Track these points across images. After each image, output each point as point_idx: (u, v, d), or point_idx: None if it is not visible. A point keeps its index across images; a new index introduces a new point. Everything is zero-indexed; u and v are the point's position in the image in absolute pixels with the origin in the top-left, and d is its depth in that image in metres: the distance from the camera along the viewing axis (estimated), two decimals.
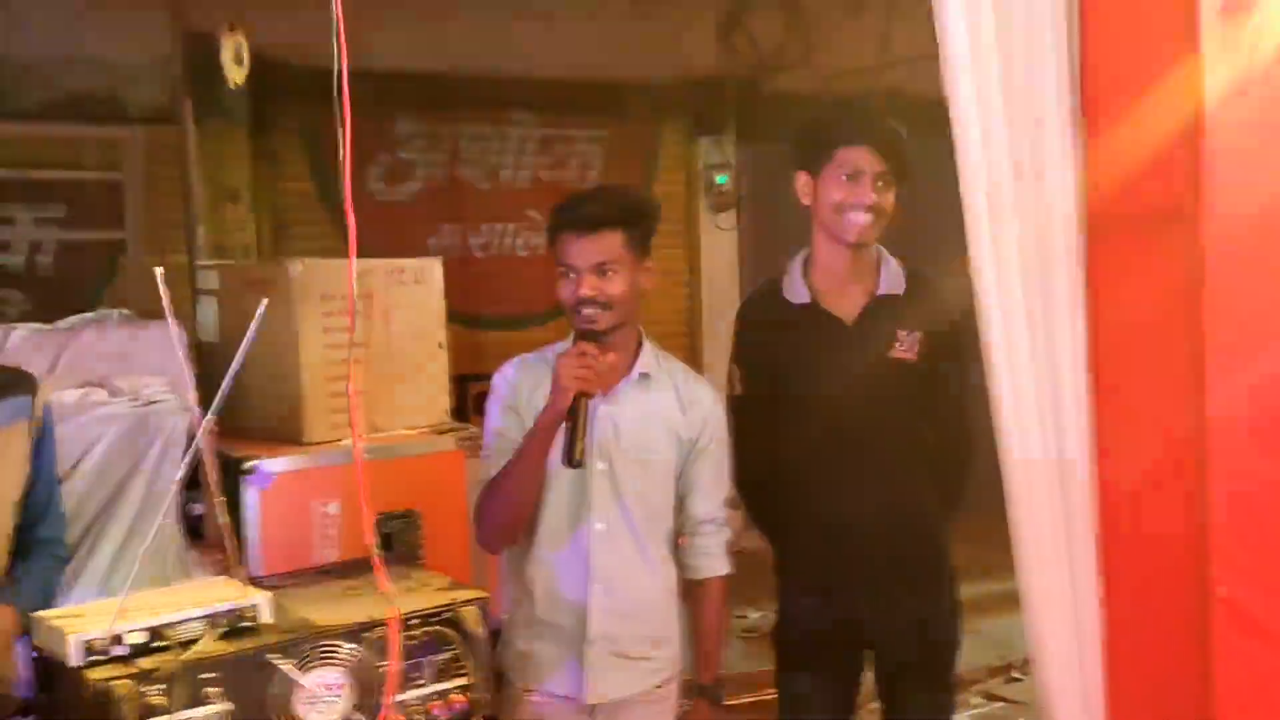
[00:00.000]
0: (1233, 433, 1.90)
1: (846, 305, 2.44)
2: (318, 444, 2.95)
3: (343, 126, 1.63)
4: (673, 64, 6.05)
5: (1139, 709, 2.00)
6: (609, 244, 2.11)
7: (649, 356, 2.26)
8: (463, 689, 1.70)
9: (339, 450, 2.91)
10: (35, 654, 1.58)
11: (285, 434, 2.96)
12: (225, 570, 2.40)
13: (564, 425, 2.06)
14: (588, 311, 2.10)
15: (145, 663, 1.48)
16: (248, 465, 2.75)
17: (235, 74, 3.52)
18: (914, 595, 2.47)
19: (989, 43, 2.03)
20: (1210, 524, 1.91)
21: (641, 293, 2.18)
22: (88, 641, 1.47)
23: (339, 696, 1.56)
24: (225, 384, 1.59)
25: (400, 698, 1.60)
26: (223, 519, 1.90)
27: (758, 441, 2.38)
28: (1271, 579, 1.92)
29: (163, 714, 1.44)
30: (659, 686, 2.26)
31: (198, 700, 1.47)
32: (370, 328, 3.03)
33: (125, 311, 3.26)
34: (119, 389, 2.62)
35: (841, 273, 2.44)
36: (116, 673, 1.44)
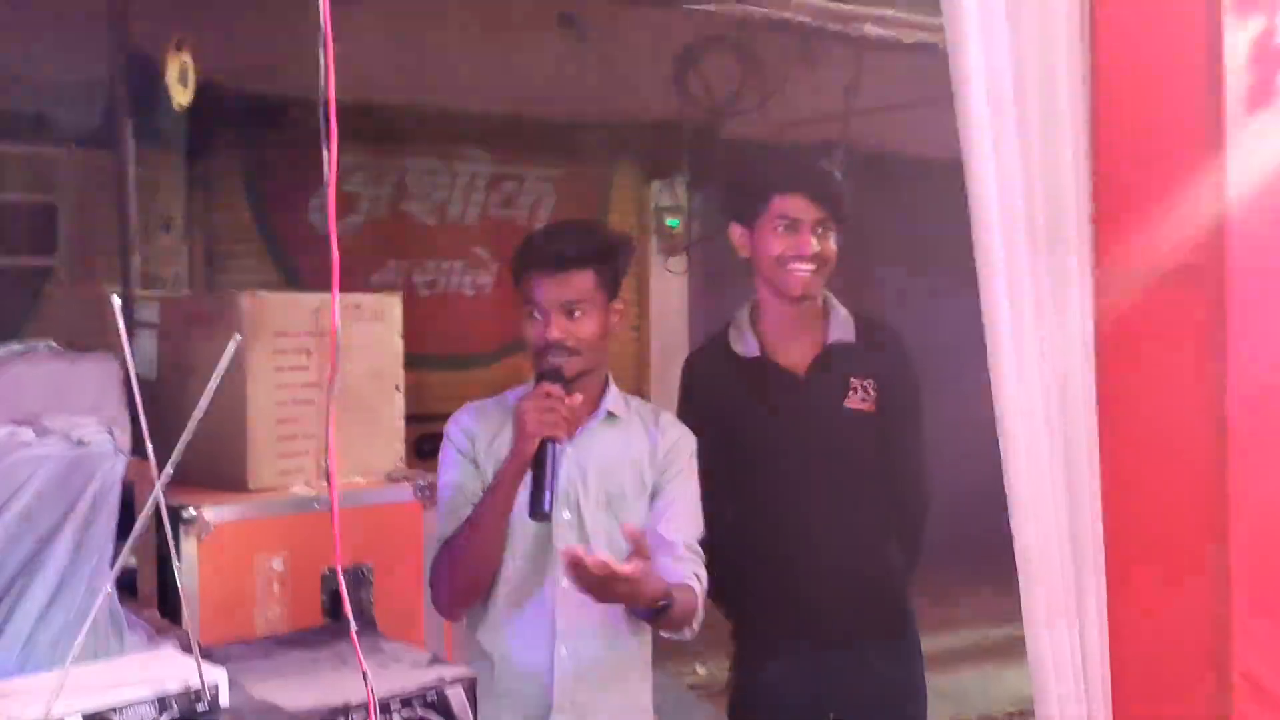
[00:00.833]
0: (1255, 515, 1.83)
1: (796, 356, 2.36)
2: (263, 491, 2.74)
3: (329, 154, 1.50)
4: (627, 105, 5.97)
5: None
6: (580, 284, 2.00)
7: (615, 396, 2.14)
8: None
9: (286, 499, 2.71)
10: None
11: (228, 480, 2.74)
12: (159, 633, 2.18)
13: (528, 475, 1.92)
14: (555, 356, 1.99)
15: None
16: (187, 514, 2.53)
17: (180, 95, 3.32)
18: (880, 657, 2.38)
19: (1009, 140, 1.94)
20: (1232, 602, 1.82)
21: (611, 334, 2.08)
22: None
23: None
24: (186, 434, 1.41)
25: None
26: (182, 580, 1.69)
27: (709, 501, 2.21)
28: None
29: None
30: None
31: None
32: (325, 367, 2.84)
33: (53, 343, 3.02)
34: (48, 428, 2.38)
35: (789, 324, 2.36)
36: None
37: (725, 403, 2.34)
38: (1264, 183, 1.81)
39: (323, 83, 1.50)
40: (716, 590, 2.29)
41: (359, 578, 2.76)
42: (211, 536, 2.58)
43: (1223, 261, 1.81)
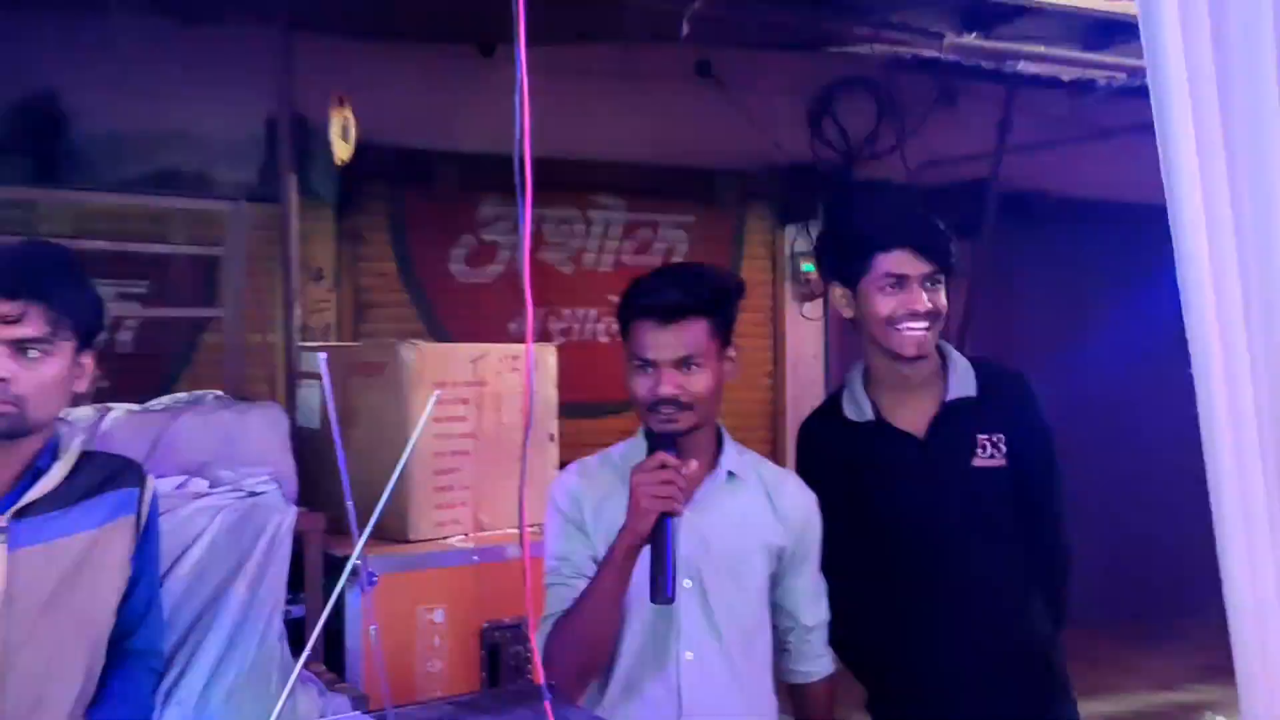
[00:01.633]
0: None
1: (914, 417, 2.17)
2: (423, 542, 2.74)
3: (523, 212, 1.48)
4: (761, 150, 5.92)
5: None
6: (693, 335, 1.86)
7: (733, 453, 1.99)
8: None
9: (446, 550, 2.70)
10: None
11: (390, 531, 2.75)
12: (329, 687, 2.18)
13: (647, 551, 1.77)
14: (667, 410, 1.85)
15: None
16: (353, 565, 2.54)
17: (342, 150, 3.40)
18: None
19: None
20: None
21: (725, 386, 1.93)
22: None
23: None
24: (385, 494, 1.39)
25: None
26: (370, 633, 1.65)
27: (836, 575, 2.10)
28: None
29: None
30: None
31: None
32: (482, 417, 2.84)
33: (219, 394, 3.09)
34: (220, 479, 2.42)
35: (904, 385, 2.17)
36: None
37: (843, 470, 2.17)
38: None
39: (518, 143, 1.49)
40: (846, 659, 2.19)
41: (517, 632, 2.73)
42: (376, 589, 2.58)
43: None
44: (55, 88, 4.42)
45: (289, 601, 2.44)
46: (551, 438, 3.03)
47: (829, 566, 2.10)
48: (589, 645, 1.83)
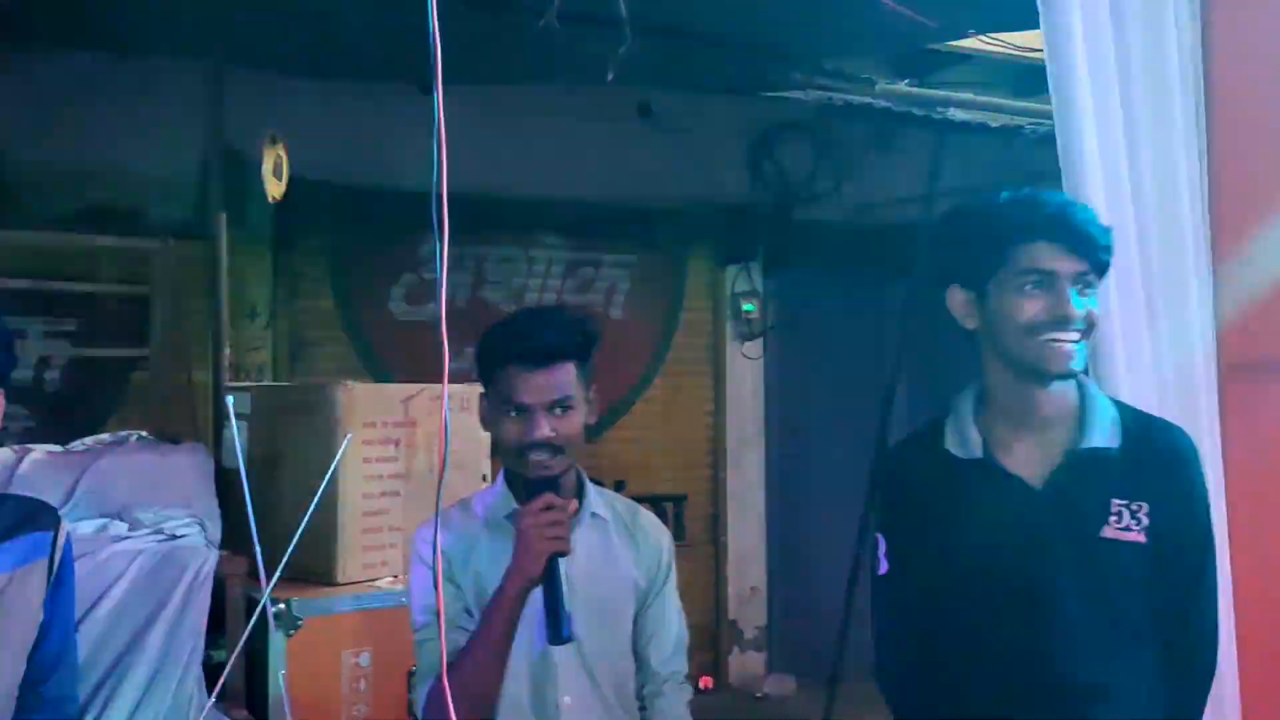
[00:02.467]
0: None
1: (1033, 461, 1.77)
2: (351, 584, 2.70)
3: (441, 247, 1.48)
4: (702, 191, 5.99)
5: None
6: (565, 378, 1.83)
7: (594, 494, 1.98)
8: None
9: (374, 592, 2.67)
10: None
11: (316, 573, 2.71)
12: None
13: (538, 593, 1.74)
14: (539, 455, 1.81)
15: None
16: (275, 608, 2.50)
17: (274, 188, 3.37)
18: None
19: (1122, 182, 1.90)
20: None
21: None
22: None
23: None
24: (297, 536, 1.36)
25: None
26: (282, 670, 1.62)
27: (912, 635, 1.81)
28: None
29: None
30: None
31: None
32: (413, 458, 2.81)
33: (144, 434, 3.04)
34: (140, 521, 2.38)
35: (1028, 417, 1.78)
36: None
37: (935, 513, 1.81)
38: None
39: (436, 179, 1.49)
40: None
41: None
42: (301, 632, 2.54)
43: None
44: None
45: (210, 646, 2.40)
46: (485, 479, 3.01)
47: (903, 623, 1.82)
48: (480, 695, 1.79)
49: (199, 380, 3.58)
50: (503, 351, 1.84)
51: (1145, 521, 1.72)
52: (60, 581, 1.85)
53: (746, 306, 6.28)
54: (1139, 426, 1.79)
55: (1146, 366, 1.92)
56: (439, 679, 1.75)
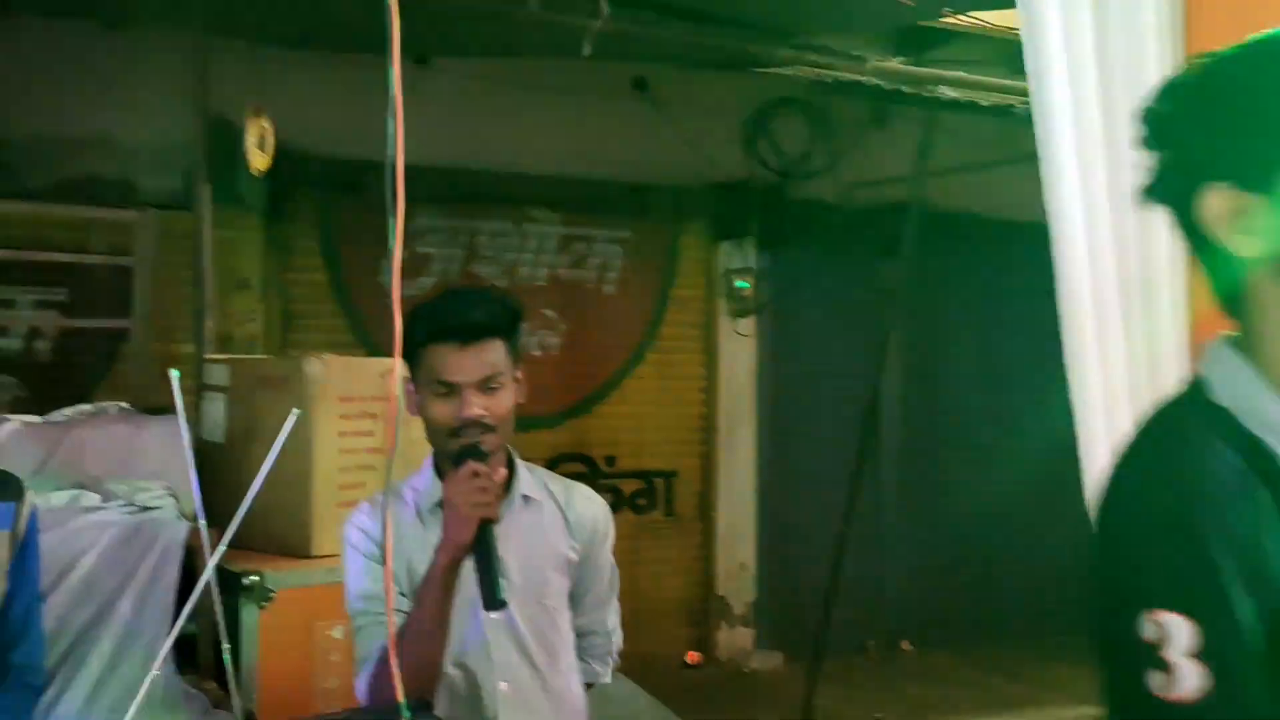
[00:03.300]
0: None
1: None
2: (325, 558, 2.71)
3: (395, 220, 1.48)
4: (696, 167, 5.97)
5: None
6: (494, 355, 1.82)
7: (525, 476, 1.96)
8: None
9: None
10: None
11: (290, 546, 2.73)
12: (216, 706, 2.15)
13: (472, 562, 1.74)
14: (470, 433, 1.79)
15: None
16: (248, 580, 2.51)
17: (258, 159, 3.36)
18: None
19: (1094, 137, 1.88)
20: None
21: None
22: None
23: None
24: (244, 504, 1.37)
25: None
26: (226, 644, 1.64)
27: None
28: None
29: None
30: None
31: None
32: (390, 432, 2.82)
33: (124, 405, 3.05)
34: (112, 493, 2.39)
35: None
36: None
37: (1237, 517, 0.98)
38: None
39: (391, 151, 1.48)
40: None
41: None
42: (273, 604, 2.55)
43: None
44: None
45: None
46: None
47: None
48: (423, 670, 1.77)
49: (181, 352, 3.59)
50: (429, 330, 1.81)
51: None
52: (24, 552, 1.86)
53: (740, 283, 6.27)
54: None
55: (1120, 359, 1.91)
56: (380, 661, 1.79)
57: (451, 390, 1.80)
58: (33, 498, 1.90)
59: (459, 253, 5.78)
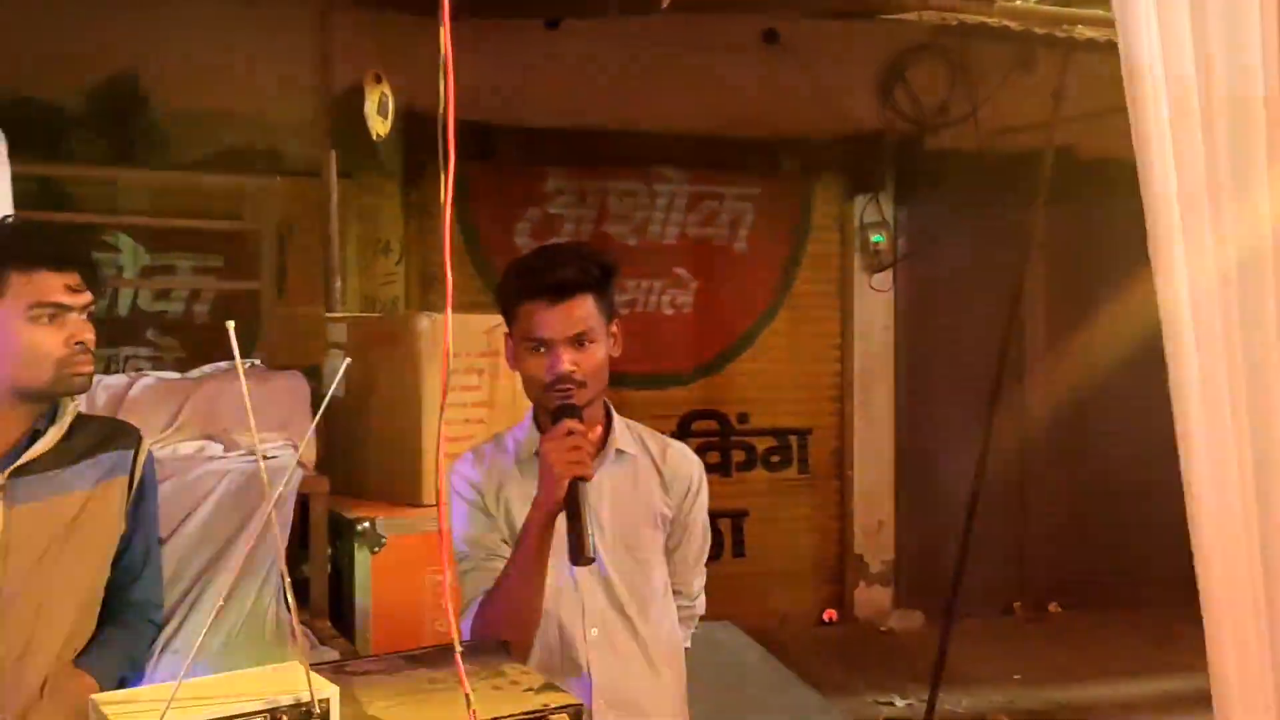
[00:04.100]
0: None
1: None
2: (434, 506, 2.82)
3: (445, 181, 1.51)
4: (830, 119, 5.85)
5: None
6: (584, 312, 1.85)
7: (622, 430, 1.98)
8: None
9: None
10: None
11: (403, 495, 2.85)
12: (324, 642, 2.28)
13: (562, 519, 1.77)
14: (564, 388, 1.83)
15: None
16: (361, 526, 2.64)
17: (378, 125, 3.48)
18: None
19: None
20: None
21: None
22: None
23: None
24: (308, 433, 1.44)
25: None
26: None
27: None
28: None
29: None
30: None
31: None
32: (496, 387, 2.91)
33: (256, 362, 3.23)
34: (237, 443, 2.55)
35: None
36: None
37: None
38: None
39: (442, 105, 1.52)
40: None
41: None
42: (385, 550, 2.67)
43: None
44: (134, 68, 4.65)
45: (296, 563, 2.56)
46: None
47: None
48: (518, 621, 1.84)
49: (310, 313, 3.77)
50: (520, 288, 1.87)
51: None
52: (142, 496, 2.00)
53: (875, 238, 6.14)
54: None
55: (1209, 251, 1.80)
56: (482, 604, 1.88)
57: (543, 345, 1.85)
58: (148, 445, 2.04)
59: (590, 213, 5.85)
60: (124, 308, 4.95)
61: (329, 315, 3.36)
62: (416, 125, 4.77)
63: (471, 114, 5.30)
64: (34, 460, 1.89)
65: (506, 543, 1.92)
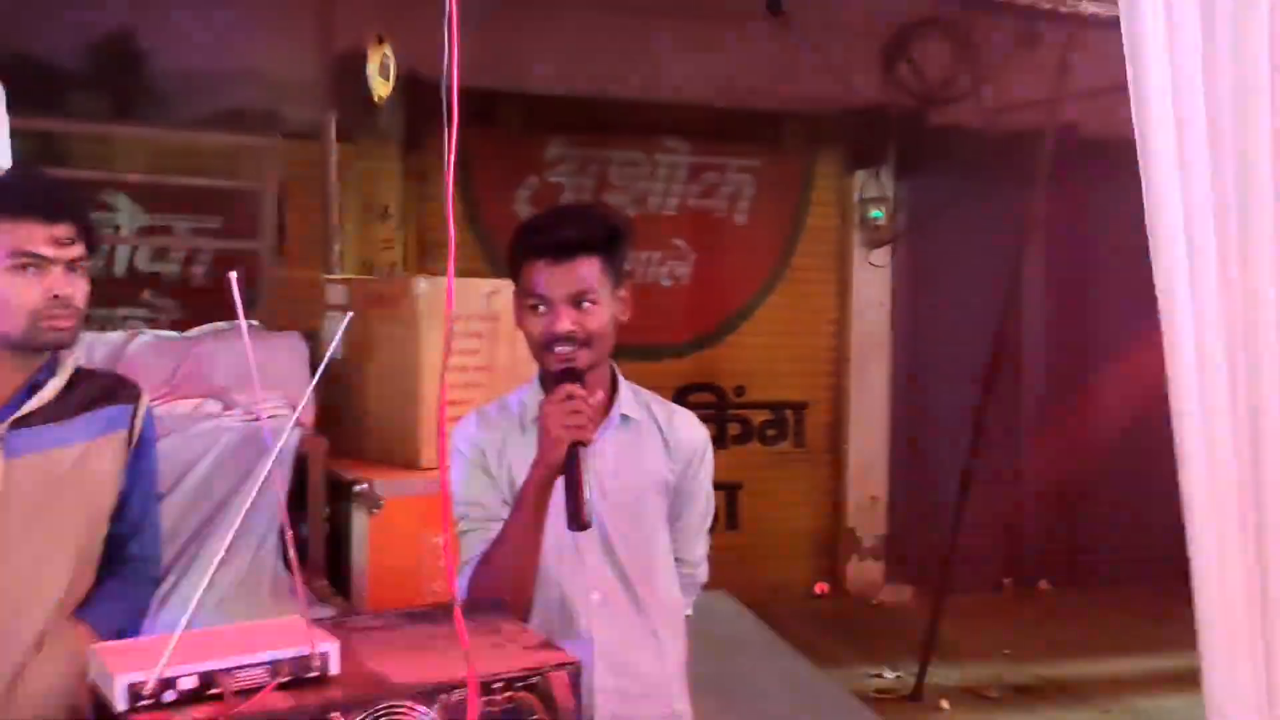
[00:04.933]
0: None
1: None
2: (433, 469, 2.83)
3: (449, 141, 1.50)
4: (832, 92, 5.82)
5: None
6: (587, 272, 1.83)
7: (627, 395, 1.97)
8: None
9: None
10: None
11: (401, 457, 2.85)
12: (321, 600, 2.29)
13: (561, 482, 1.77)
14: (563, 349, 1.82)
15: (196, 712, 1.33)
16: (359, 488, 2.65)
17: (380, 87, 3.46)
18: None
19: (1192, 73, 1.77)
20: None
21: (618, 325, 1.89)
22: (134, 684, 1.33)
23: None
24: (307, 393, 1.44)
25: None
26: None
27: None
28: None
29: None
30: None
31: None
32: (496, 350, 2.90)
33: (255, 323, 3.22)
34: (235, 402, 2.54)
35: None
36: None
37: None
38: None
39: (446, 69, 1.51)
40: None
41: None
42: (382, 512, 2.68)
43: None
44: (133, 25, 4.61)
45: (295, 521, 2.56)
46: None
47: None
48: (513, 583, 1.84)
49: (308, 275, 3.76)
50: (526, 247, 1.86)
51: None
52: (140, 451, 2.00)
53: (874, 213, 6.13)
54: None
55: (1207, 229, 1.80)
56: (479, 563, 1.87)
57: (543, 304, 1.84)
58: (147, 401, 2.04)
59: (591, 182, 5.84)
60: (121, 268, 4.93)
61: (328, 278, 3.35)
62: (417, 90, 4.75)
63: (473, 80, 5.33)
64: (33, 413, 1.89)
65: (507, 504, 1.92)
